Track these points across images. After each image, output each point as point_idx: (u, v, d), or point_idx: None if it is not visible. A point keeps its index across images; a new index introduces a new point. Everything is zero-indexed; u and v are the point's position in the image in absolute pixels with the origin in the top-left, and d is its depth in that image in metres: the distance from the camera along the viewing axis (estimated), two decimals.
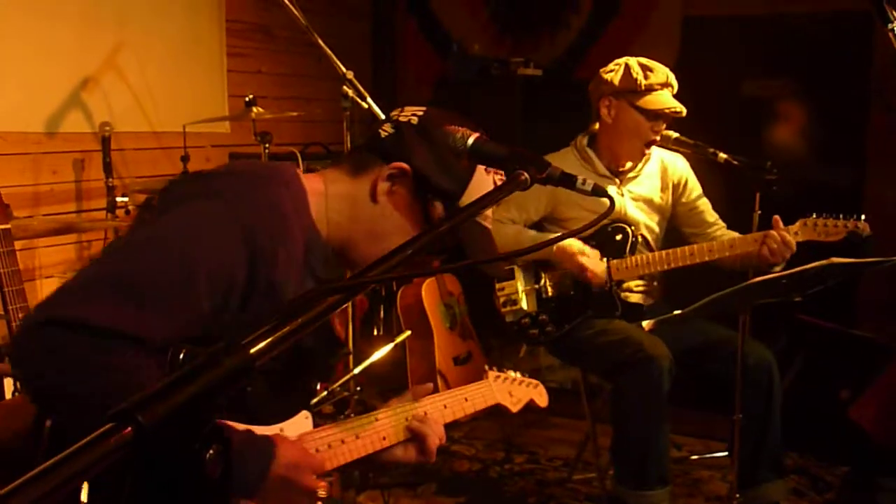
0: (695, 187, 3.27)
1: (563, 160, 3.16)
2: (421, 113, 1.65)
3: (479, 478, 3.66)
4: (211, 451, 0.72)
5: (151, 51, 4.11)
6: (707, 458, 3.68)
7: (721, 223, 3.23)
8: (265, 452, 1.45)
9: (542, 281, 3.22)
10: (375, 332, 4.84)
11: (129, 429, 0.65)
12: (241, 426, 1.48)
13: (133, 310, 1.33)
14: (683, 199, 3.26)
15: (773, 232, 2.91)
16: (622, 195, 3.18)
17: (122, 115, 3.94)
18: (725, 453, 3.43)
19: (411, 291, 3.96)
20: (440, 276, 4.09)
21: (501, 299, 3.23)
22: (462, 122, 1.61)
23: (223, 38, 4.54)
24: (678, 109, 3.01)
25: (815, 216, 2.90)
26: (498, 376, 2.11)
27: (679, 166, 3.27)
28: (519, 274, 3.24)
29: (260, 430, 1.52)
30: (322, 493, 1.56)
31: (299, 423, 1.63)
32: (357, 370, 3.22)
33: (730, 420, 2.85)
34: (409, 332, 3.45)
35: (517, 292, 3.22)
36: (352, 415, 3.37)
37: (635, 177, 3.21)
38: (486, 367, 2.12)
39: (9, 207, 2.62)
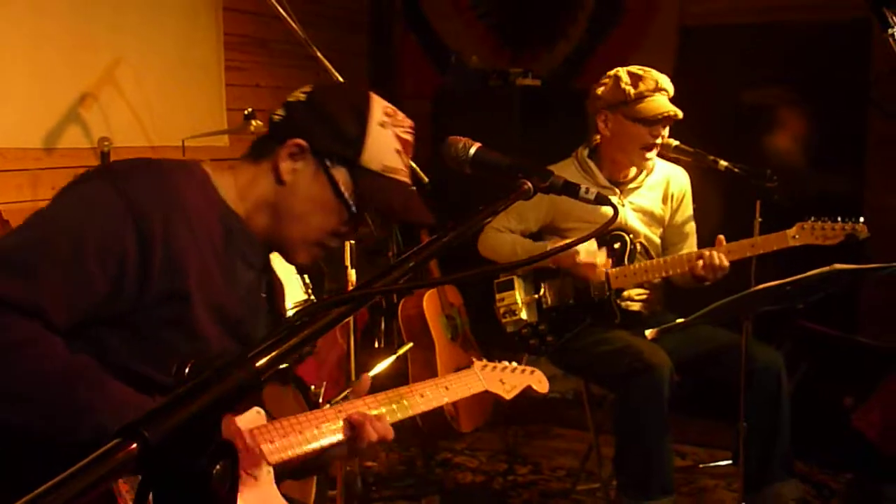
0: (688, 206, 3.31)
1: (564, 171, 3.15)
2: (309, 89, 1.67)
3: (483, 489, 3.65)
4: (218, 467, 0.71)
5: (149, 65, 4.10)
6: (712, 466, 3.66)
7: (693, 246, 3.26)
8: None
9: (542, 291, 3.22)
10: (377, 345, 4.82)
11: (135, 445, 0.65)
12: None
13: (21, 281, 1.37)
14: (676, 216, 3.29)
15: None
16: (623, 205, 3.18)
17: (120, 130, 3.93)
18: (730, 462, 3.42)
19: (412, 303, 3.95)
20: (441, 288, 4.08)
21: (501, 310, 3.23)
22: (351, 93, 1.68)
23: (221, 51, 4.53)
24: (670, 112, 3.02)
25: (812, 219, 2.90)
26: (486, 365, 2.09)
27: (681, 181, 3.29)
28: (518, 284, 3.24)
29: None
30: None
31: (251, 419, 1.61)
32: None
33: (735, 427, 2.85)
34: (411, 344, 3.44)
35: (517, 302, 3.21)
36: None
37: (637, 188, 3.21)
38: (474, 359, 2.10)
39: (8, 223, 2.61)
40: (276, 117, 1.67)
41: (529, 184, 1.40)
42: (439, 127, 5.19)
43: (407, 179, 1.68)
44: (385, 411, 1.76)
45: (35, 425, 1.37)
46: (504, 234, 3.18)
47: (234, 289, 1.63)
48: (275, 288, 1.83)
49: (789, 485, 2.98)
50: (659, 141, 3.07)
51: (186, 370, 0.74)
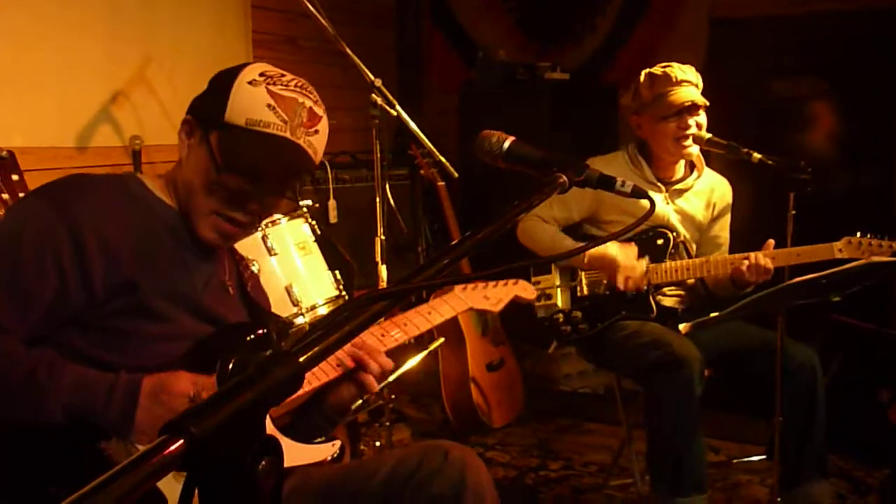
0: (727, 220, 3.31)
1: (613, 162, 3.21)
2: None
3: (514, 485, 3.63)
4: (263, 464, 0.71)
5: (180, 64, 4.13)
6: (745, 461, 3.63)
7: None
8: (130, 385, 1.50)
9: (579, 279, 3.21)
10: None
11: (181, 441, 0.65)
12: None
13: None
14: (715, 228, 3.29)
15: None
16: (667, 203, 3.19)
17: (151, 129, 3.96)
18: (763, 457, 3.39)
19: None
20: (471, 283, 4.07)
21: (536, 293, 3.23)
22: (238, 66, 1.69)
23: (250, 49, 4.55)
24: (687, 102, 3.03)
25: (859, 235, 2.89)
26: (466, 287, 2.10)
27: (725, 194, 3.30)
28: (556, 270, 3.25)
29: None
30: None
31: None
32: (391, 378, 3.20)
33: (770, 423, 2.82)
34: (442, 340, 3.44)
35: (553, 287, 3.22)
36: (387, 423, 3.37)
37: (684, 190, 3.22)
38: (455, 286, 2.09)
39: None
40: None
41: (565, 177, 1.39)
42: (466, 122, 5.19)
43: (284, 133, 1.64)
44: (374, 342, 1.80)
45: (3, 415, 1.47)
46: (547, 225, 3.19)
47: (187, 279, 1.70)
48: (244, 275, 1.90)
49: (822, 486, 2.95)
50: (692, 130, 3.06)
51: (230, 367, 0.73)
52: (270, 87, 1.64)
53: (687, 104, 3.03)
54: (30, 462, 1.47)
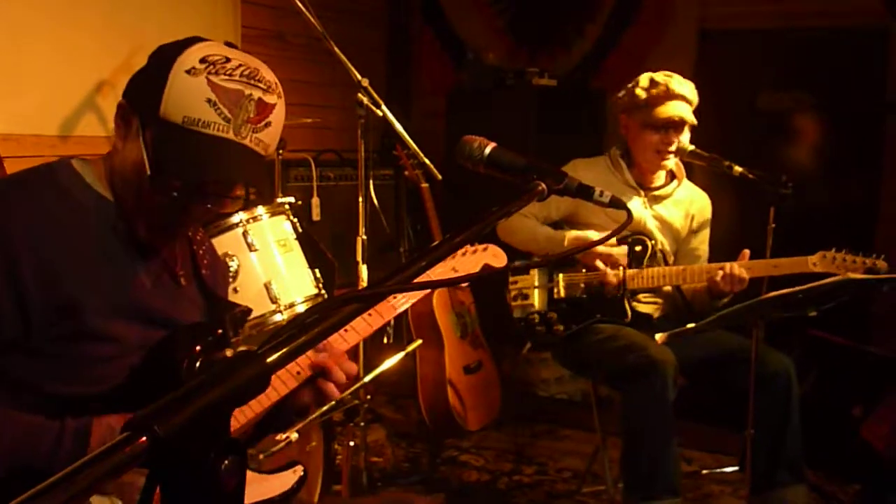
0: (706, 234, 3.34)
1: (594, 166, 3.25)
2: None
3: (488, 489, 3.64)
4: (226, 462, 0.71)
5: None
6: (718, 472, 3.65)
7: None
8: (79, 435, 1.40)
9: (556, 280, 3.23)
10: (385, 341, 4.82)
11: (144, 438, 0.64)
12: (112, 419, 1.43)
13: None
14: (694, 242, 3.32)
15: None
16: (645, 208, 3.21)
17: None
18: (736, 468, 3.41)
19: (422, 300, 3.93)
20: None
21: (513, 293, 3.26)
22: (178, 45, 1.50)
23: (239, 45, 4.53)
24: (676, 117, 3.05)
25: (834, 250, 2.91)
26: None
27: (705, 208, 3.33)
28: (534, 270, 3.26)
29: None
30: None
31: None
32: (367, 378, 3.21)
33: (742, 434, 2.84)
34: (419, 342, 3.43)
35: (530, 287, 3.24)
36: (362, 423, 3.37)
37: (664, 197, 3.24)
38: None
39: None
40: None
41: (544, 185, 1.40)
42: (453, 125, 5.19)
43: (225, 134, 1.44)
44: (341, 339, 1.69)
45: None
46: (526, 219, 3.22)
47: (134, 282, 1.54)
48: (198, 254, 1.74)
49: (796, 490, 2.96)
50: (672, 147, 3.08)
51: (197, 365, 0.73)
52: (212, 78, 1.44)
53: (675, 119, 3.05)
54: None
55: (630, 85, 3.17)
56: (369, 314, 1.77)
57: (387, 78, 5.61)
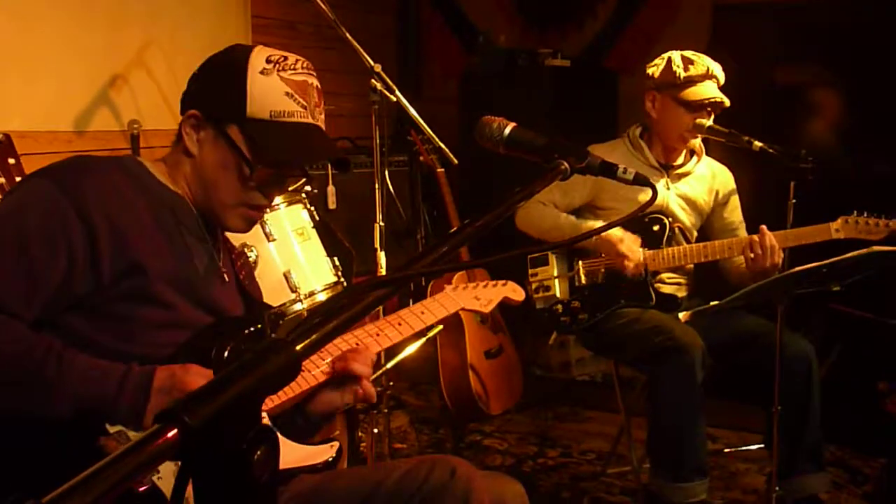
0: (737, 207, 3.29)
1: (614, 150, 3.20)
2: (203, 64, 1.72)
3: (512, 472, 3.63)
4: (259, 453, 0.70)
5: (178, 47, 4.10)
6: (743, 450, 3.63)
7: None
8: (143, 376, 1.48)
9: (576, 268, 3.20)
10: None
11: (175, 430, 0.63)
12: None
13: None
14: (725, 214, 3.27)
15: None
16: (668, 189, 3.17)
17: (150, 113, 3.94)
18: (761, 445, 3.39)
19: (442, 285, 3.93)
20: (470, 271, 4.05)
21: (534, 285, 3.23)
22: (233, 52, 1.69)
23: (249, 34, 4.52)
24: (718, 99, 3.02)
25: (855, 214, 2.88)
26: (456, 287, 2.12)
27: (728, 181, 3.29)
28: (553, 260, 3.25)
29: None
30: None
31: None
32: (389, 365, 3.20)
33: (767, 412, 2.82)
34: (440, 328, 3.42)
35: (550, 278, 3.21)
36: (385, 410, 3.37)
37: (685, 174, 3.21)
38: (445, 284, 2.13)
39: None
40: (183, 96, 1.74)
41: (566, 164, 1.38)
42: (467, 108, 5.16)
43: (306, 119, 1.68)
44: (368, 343, 1.79)
45: (10, 408, 1.43)
46: (548, 208, 3.18)
47: (190, 263, 1.68)
48: (236, 263, 1.89)
49: (818, 478, 2.96)
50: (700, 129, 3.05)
51: (226, 354, 0.72)
52: (282, 74, 1.66)
53: (712, 100, 3.02)
54: (24, 458, 1.43)
55: (660, 62, 3.12)
56: (399, 322, 1.90)
57: (397, 64, 5.59)
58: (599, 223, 3.11)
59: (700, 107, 3.03)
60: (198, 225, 1.74)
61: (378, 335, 1.82)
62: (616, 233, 3.05)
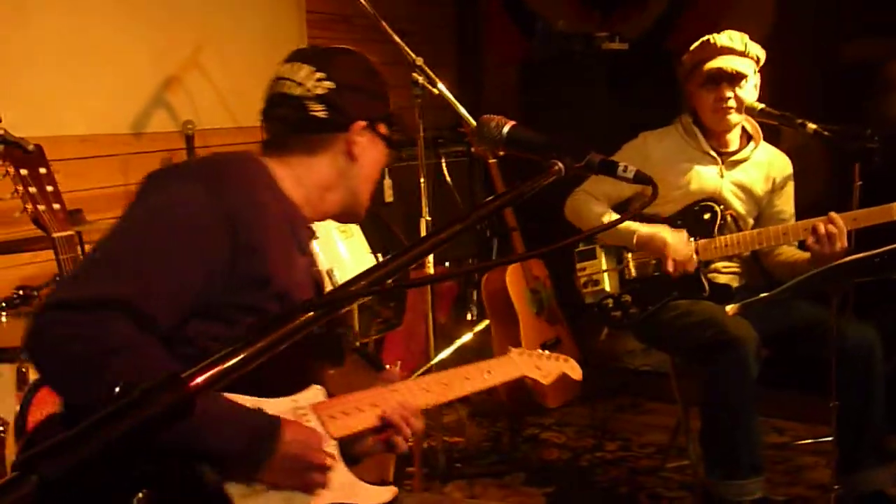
0: (791, 196, 3.16)
1: (665, 137, 3.13)
2: (323, 76, 1.70)
3: (569, 467, 3.57)
4: (140, 496, 0.68)
5: (233, 46, 4.15)
6: (810, 443, 3.50)
7: None
8: (272, 431, 1.47)
9: (626, 262, 3.13)
10: (469, 317, 4.77)
11: (34, 480, 0.62)
12: (249, 400, 1.50)
13: (131, 284, 1.42)
14: (777, 202, 3.15)
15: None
16: (721, 176, 3.07)
17: (205, 113, 3.99)
18: (831, 438, 3.25)
19: (496, 276, 3.89)
20: (526, 261, 4.00)
21: (582, 279, 3.17)
22: (354, 56, 1.80)
23: (304, 29, 4.54)
24: (727, 69, 2.92)
25: None
26: (522, 352, 2.15)
27: (784, 167, 3.16)
28: (601, 254, 3.18)
29: (272, 402, 1.55)
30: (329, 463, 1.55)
31: (312, 395, 1.65)
32: (437, 359, 3.19)
33: (828, 405, 2.70)
34: (486, 322, 3.39)
35: (599, 272, 3.14)
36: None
37: (741, 161, 3.10)
38: (510, 347, 2.15)
39: (81, 212, 2.64)
40: (320, 114, 1.70)
41: (560, 165, 1.34)
42: (526, 95, 5.08)
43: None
44: (427, 395, 1.81)
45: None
46: (594, 205, 3.11)
47: (295, 275, 1.68)
48: (315, 272, 1.90)
49: (882, 472, 2.83)
50: (731, 103, 2.95)
51: (116, 391, 0.70)
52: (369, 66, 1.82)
53: (725, 71, 2.93)
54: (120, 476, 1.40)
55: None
56: (488, 371, 1.97)
57: (457, 53, 5.54)
58: (647, 229, 3.02)
59: (714, 79, 2.95)
60: (305, 237, 1.76)
61: (428, 391, 1.83)
62: (660, 235, 2.98)
